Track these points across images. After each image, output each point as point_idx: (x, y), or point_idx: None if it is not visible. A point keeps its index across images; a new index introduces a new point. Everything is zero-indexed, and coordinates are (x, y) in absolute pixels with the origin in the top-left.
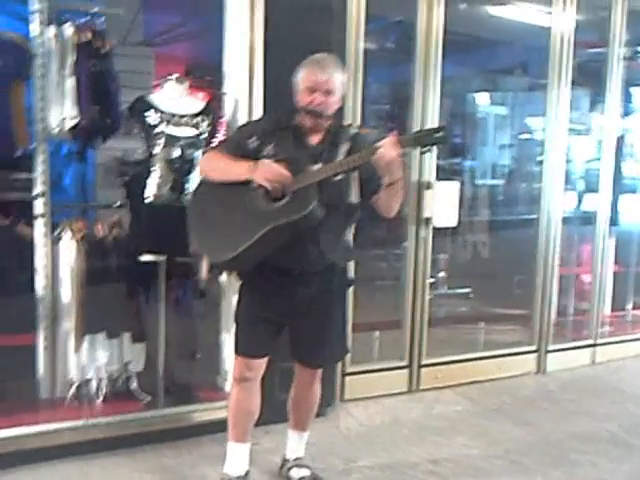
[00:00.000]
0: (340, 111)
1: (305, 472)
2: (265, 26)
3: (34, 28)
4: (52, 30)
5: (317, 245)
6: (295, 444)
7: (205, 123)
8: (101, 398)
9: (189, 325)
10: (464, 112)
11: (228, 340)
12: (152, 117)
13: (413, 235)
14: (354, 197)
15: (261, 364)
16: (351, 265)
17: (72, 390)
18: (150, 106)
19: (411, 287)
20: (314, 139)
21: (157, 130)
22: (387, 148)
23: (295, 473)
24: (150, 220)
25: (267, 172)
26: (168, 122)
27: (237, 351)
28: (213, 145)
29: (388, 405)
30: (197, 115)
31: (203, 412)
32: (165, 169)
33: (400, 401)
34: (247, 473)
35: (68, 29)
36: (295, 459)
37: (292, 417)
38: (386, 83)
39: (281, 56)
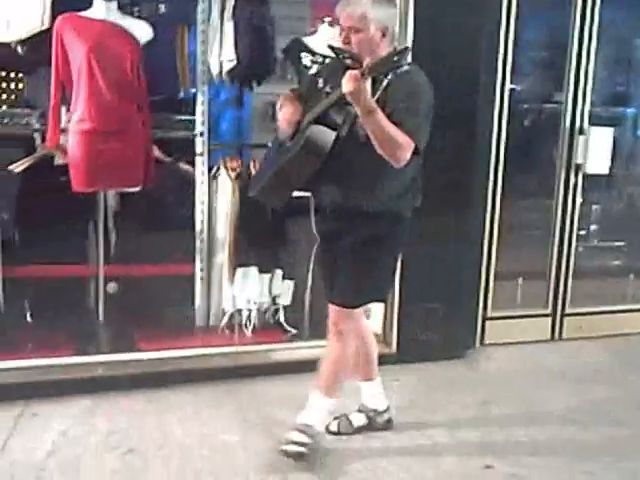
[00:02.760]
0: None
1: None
2: None
3: None
4: None
5: (344, 186)
6: (366, 394)
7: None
8: (250, 328)
9: None
10: (628, 58)
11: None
12: (307, 59)
13: (562, 183)
14: None
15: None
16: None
17: (224, 319)
18: (305, 48)
19: (558, 236)
20: None
21: (311, 72)
22: (344, 82)
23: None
24: None
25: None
26: (322, 64)
27: None
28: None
29: (529, 351)
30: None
31: None
32: None
33: (541, 348)
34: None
35: None
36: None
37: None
38: (543, 28)
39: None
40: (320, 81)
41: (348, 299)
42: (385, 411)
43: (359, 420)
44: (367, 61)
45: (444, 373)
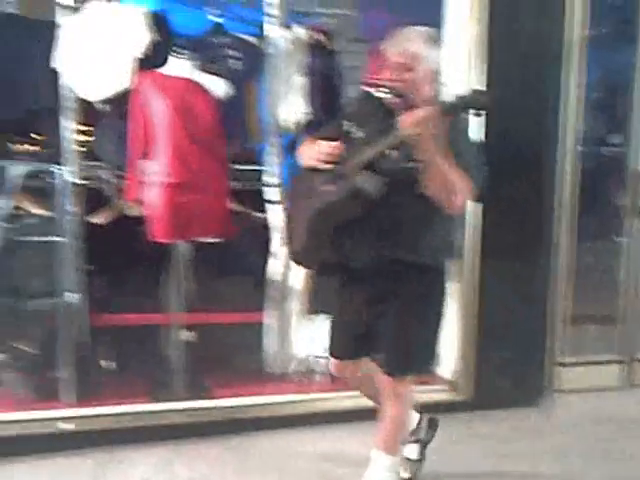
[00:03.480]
0: None
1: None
2: (490, 18)
3: (269, 30)
4: (285, 32)
5: (387, 238)
6: None
7: None
8: (321, 374)
9: None
10: None
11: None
12: None
13: (629, 227)
14: None
15: (354, 366)
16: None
17: (298, 366)
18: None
19: (628, 280)
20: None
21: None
22: (407, 123)
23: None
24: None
25: (311, 155)
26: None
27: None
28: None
29: (603, 398)
30: None
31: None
32: None
33: (615, 395)
34: None
35: (300, 30)
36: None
37: None
38: (603, 70)
39: (503, 49)
40: (346, 124)
41: (398, 369)
42: (420, 421)
43: (414, 453)
44: (411, 99)
45: (519, 421)
